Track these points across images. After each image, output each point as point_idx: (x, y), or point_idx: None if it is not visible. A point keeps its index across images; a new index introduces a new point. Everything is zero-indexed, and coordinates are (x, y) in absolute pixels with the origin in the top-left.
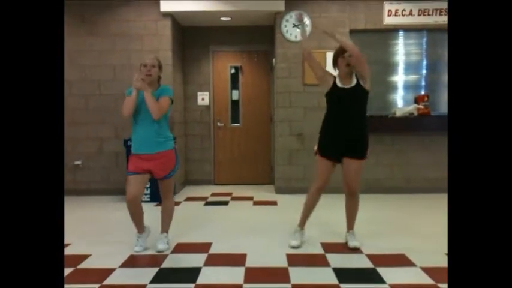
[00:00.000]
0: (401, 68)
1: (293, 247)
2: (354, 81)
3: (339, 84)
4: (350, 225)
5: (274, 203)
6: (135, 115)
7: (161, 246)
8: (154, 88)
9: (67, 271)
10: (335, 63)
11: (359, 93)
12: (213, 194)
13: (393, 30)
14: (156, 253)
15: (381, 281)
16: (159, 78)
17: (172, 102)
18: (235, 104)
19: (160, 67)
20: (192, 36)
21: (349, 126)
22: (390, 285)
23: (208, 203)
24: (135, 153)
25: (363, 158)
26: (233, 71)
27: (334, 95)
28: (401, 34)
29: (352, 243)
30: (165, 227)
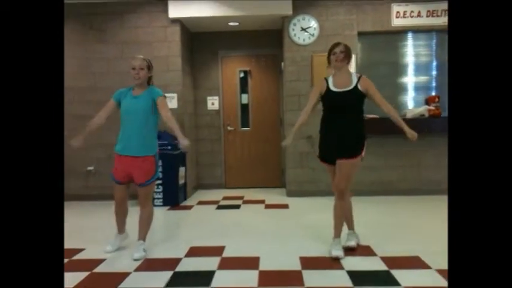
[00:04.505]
0: (411, 69)
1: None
2: (353, 84)
3: (332, 87)
4: (349, 225)
5: (285, 206)
6: (123, 118)
7: (136, 254)
8: (143, 89)
9: (82, 275)
10: (329, 61)
11: (355, 96)
12: (225, 198)
13: (402, 32)
14: (171, 257)
15: (395, 283)
16: (149, 78)
17: (165, 97)
18: (244, 107)
19: (149, 68)
20: (201, 42)
21: (342, 130)
22: (405, 287)
23: (220, 207)
24: (118, 153)
25: (353, 157)
26: (242, 75)
27: (328, 99)
28: (410, 35)
29: (348, 243)
30: (141, 235)
